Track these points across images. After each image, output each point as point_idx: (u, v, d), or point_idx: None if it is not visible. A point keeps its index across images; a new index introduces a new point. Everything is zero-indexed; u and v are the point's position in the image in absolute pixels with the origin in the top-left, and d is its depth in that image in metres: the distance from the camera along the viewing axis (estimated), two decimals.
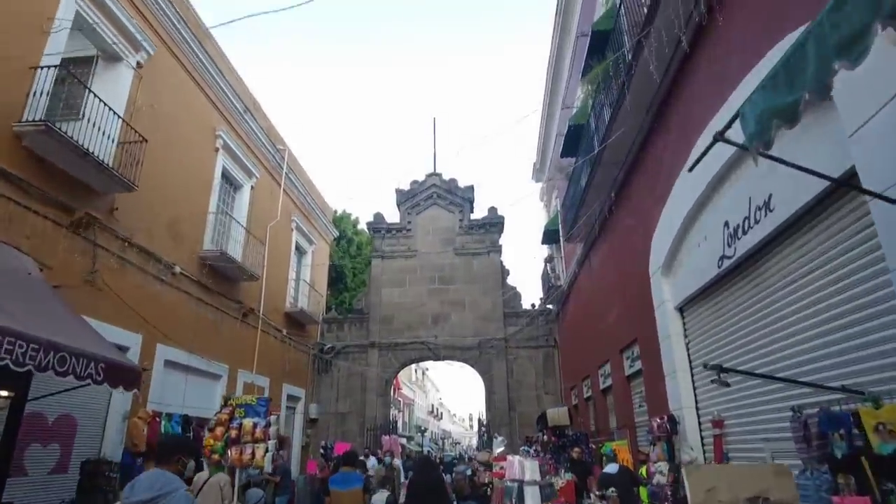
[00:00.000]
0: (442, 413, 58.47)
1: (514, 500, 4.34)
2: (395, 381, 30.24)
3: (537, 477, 4.50)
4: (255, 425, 6.64)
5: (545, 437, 9.83)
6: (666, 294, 7.53)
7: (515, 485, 4.38)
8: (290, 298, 16.67)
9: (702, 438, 6.89)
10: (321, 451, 15.56)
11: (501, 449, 8.64)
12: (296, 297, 17.15)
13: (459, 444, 54.86)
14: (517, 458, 4.58)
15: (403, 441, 26.16)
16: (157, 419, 9.05)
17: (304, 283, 17.76)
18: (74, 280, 8.21)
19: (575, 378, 15.39)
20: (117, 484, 7.94)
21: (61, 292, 7.60)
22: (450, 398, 62.71)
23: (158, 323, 10.13)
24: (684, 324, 7.33)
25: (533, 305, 18.76)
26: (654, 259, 7.85)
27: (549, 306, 18.32)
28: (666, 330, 7.51)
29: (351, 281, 25.19)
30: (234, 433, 6.71)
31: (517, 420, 17.54)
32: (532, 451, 12.44)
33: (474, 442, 48.84)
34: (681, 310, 7.36)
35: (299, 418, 17.38)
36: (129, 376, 6.45)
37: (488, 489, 11.10)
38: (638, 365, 9.47)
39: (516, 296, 19.00)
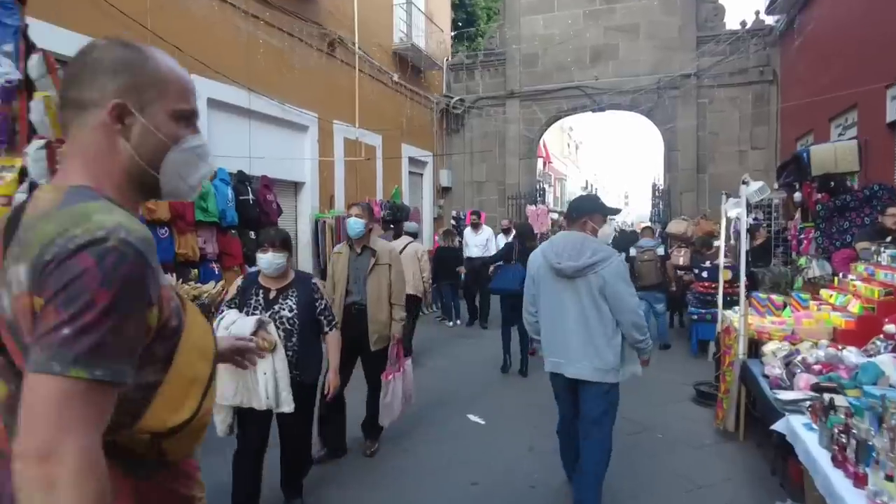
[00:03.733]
0: (596, 189, 54.40)
1: None
2: (544, 151, 26.34)
3: None
4: None
5: (798, 195, 5.59)
6: None
7: None
8: (400, 33, 12.64)
9: None
10: (452, 222, 12.86)
11: (740, 211, 4.58)
12: (407, 31, 13.07)
13: (614, 219, 51.37)
14: None
15: (555, 216, 23.07)
16: None
17: (418, 10, 13.44)
18: None
19: (810, 122, 10.24)
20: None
21: None
22: (605, 173, 57.86)
23: (181, 42, 6.89)
24: None
25: (743, 24, 12.83)
26: None
27: (770, 20, 12.34)
28: None
29: (484, 24, 20.18)
30: None
31: (708, 183, 13.11)
32: (750, 219, 8.29)
33: (630, 219, 44.82)
34: None
35: (428, 187, 14.58)
36: None
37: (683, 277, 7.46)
38: None
39: (717, 10, 13.09)
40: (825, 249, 5.27)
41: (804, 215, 6.04)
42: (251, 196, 6.96)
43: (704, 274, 6.46)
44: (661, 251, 6.94)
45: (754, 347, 3.60)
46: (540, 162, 25.72)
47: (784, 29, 11.74)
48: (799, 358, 3.06)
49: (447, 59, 15.12)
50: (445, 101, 14.72)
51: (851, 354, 2.86)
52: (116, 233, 0.85)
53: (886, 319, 3.01)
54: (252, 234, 7.00)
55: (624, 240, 8.84)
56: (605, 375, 2.89)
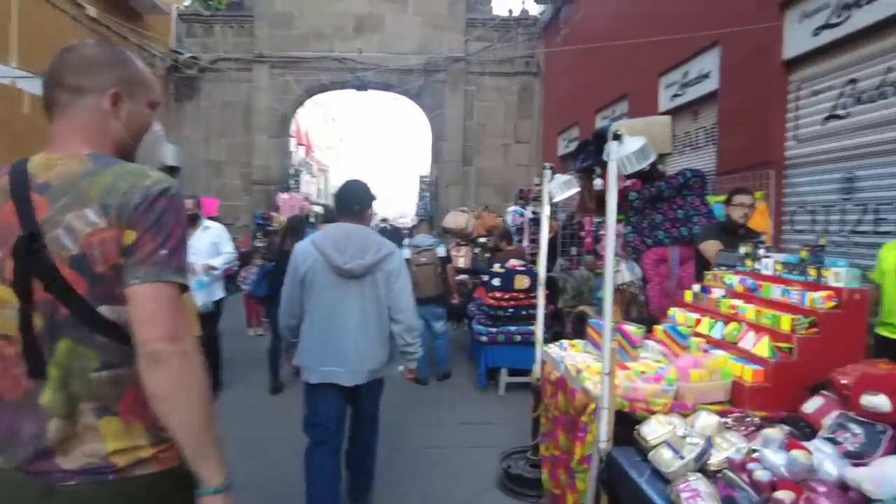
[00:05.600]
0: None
1: None
2: (306, 140, 23.63)
3: None
4: None
5: (599, 182, 4.53)
6: None
7: None
8: None
9: None
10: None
11: (573, 191, 3.15)
12: None
13: (377, 214, 50.73)
14: None
15: (319, 209, 20.74)
16: None
17: None
18: None
19: (574, 114, 10.03)
20: None
21: None
22: (370, 163, 57.10)
23: None
24: None
25: (510, 12, 12.43)
26: None
27: (537, 10, 12.13)
28: None
29: None
30: None
31: (474, 176, 12.46)
32: (529, 213, 7.38)
33: (390, 213, 44.16)
34: None
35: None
36: None
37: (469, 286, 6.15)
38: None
39: None
40: (635, 248, 4.30)
41: (600, 206, 5.12)
42: None
43: (496, 281, 5.12)
44: (441, 251, 5.38)
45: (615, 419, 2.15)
46: (302, 150, 23.17)
47: (549, 20, 11.51)
48: (719, 461, 1.64)
49: (177, 7, 11.97)
50: (173, 57, 11.58)
51: (824, 456, 1.52)
52: (172, 183, 1.16)
53: (843, 380, 1.75)
54: None
55: (392, 237, 7.19)
56: (379, 374, 2.80)
